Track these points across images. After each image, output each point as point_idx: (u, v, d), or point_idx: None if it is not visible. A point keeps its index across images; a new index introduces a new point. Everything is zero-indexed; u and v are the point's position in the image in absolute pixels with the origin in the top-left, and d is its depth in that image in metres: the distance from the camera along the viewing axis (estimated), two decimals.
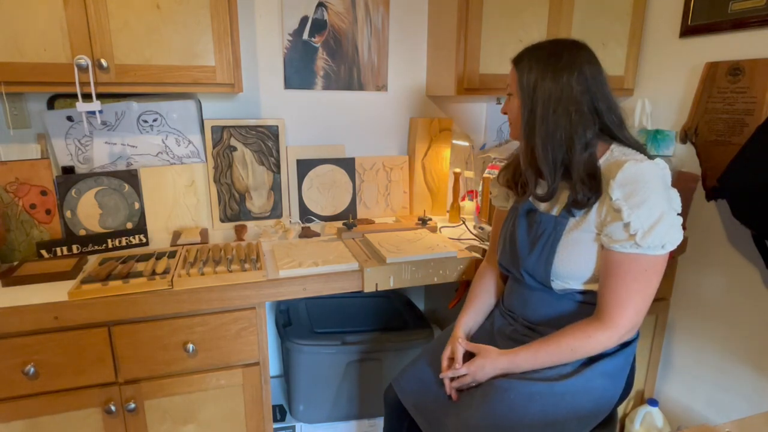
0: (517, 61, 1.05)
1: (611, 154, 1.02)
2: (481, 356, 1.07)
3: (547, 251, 1.04)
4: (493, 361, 1.05)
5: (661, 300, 1.75)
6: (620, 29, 1.74)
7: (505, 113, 1.13)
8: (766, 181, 1.31)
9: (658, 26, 1.74)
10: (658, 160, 0.97)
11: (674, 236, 0.94)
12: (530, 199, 1.12)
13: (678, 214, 0.96)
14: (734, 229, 1.54)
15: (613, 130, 1.02)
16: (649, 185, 0.92)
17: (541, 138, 1.00)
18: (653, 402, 1.73)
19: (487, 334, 1.18)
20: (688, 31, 1.62)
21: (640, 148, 1.03)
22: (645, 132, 1.69)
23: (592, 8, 1.68)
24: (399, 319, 1.80)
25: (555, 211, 1.07)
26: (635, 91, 1.83)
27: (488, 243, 1.52)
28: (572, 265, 1.02)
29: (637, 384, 1.83)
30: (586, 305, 1.05)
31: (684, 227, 1.61)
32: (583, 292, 1.05)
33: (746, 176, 1.36)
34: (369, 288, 1.35)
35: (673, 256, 1.65)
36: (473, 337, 1.20)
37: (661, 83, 1.74)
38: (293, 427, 1.69)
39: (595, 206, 0.99)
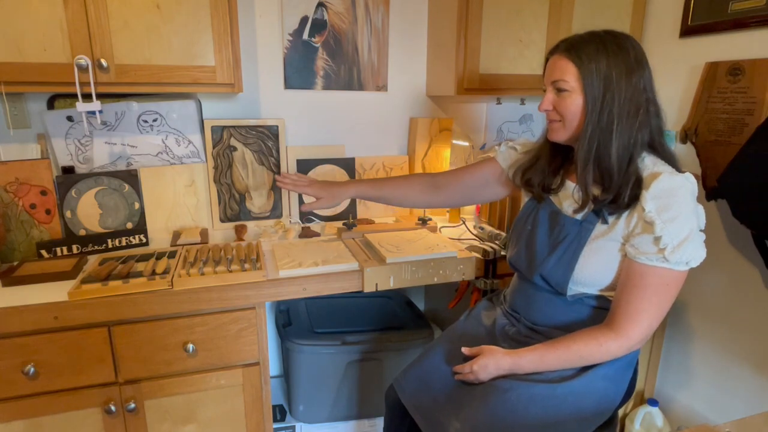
0: (572, 51, 0.95)
1: (642, 163, 0.97)
2: (484, 355, 1.06)
3: (569, 256, 1.01)
4: (497, 361, 1.04)
5: None
6: (620, 29, 1.72)
7: (547, 110, 1.02)
8: (766, 181, 1.31)
9: (658, 26, 1.74)
10: (688, 174, 0.94)
11: (699, 254, 0.93)
12: (551, 198, 1.09)
13: (701, 231, 0.95)
14: (734, 229, 1.54)
15: (656, 137, 0.98)
16: (682, 200, 0.91)
17: (617, 140, 0.94)
18: (653, 402, 1.73)
19: (489, 334, 1.18)
20: (688, 31, 1.62)
21: (672, 159, 0.99)
22: None
23: (592, 8, 1.68)
24: (399, 319, 1.80)
25: (580, 216, 1.02)
26: None
27: (488, 243, 1.52)
28: (593, 272, 1.00)
29: (637, 384, 1.83)
30: (598, 311, 1.04)
31: None
32: (596, 297, 1.04)
33: (746, 176, 1.36)
34: (369, 288, 1.35)
35: None
36: (475, 337, 1.19)
37: (661, 83, 1.73)
38: (293, 427, 1.69)
39: (625, 215, 0.96)
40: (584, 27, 1.67)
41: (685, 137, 1.66)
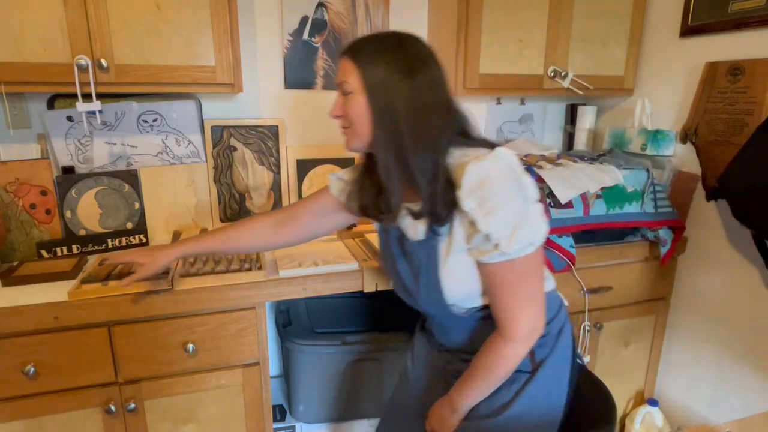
0: (355, 53, 0.89)
1: (453, 159, 0.89)
2: (430, 420, 1.05)
3: (433, 281, 0.94)
4: (441, 414, 1.02)
5: (661, 300, 1.75)
6: (620, 29, 1.74)
7: (337, 116, 0.93)
8: (766, 181, 1.31)
9: (658, 26, 1.74)
10: (499, 149, 0.85)
11: (538, 231, 0.87)
12: (395, 223, 0.99)
13: (537, 202, 0.88)
14: (734, 229, 1.54)
15: (456, 136, 0.90)
16: (497, 185, 0.82)
17: (410, 142, 0.85)
18: (653, 402, 1.73)
19: (441, 373, 1.13)
20: (688, 31, 1.62)
21: (481, 142, 0.91)
22: (645, 132, 1.69)
23: (592, 8, 1.68)
24: (399, 319, 1.80)
25: (422, 234, 0.94)
26: (635, 92, 1.83)
27: None
28: (461, 288, 0.94)
29: (637, 384, 1.83)
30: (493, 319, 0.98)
31: (684, 227, 1.62)
32: (485, 307, 0.98)
33: (746, 176, 1.36)
34: (369, 288, 1.35)
35: (674, 256, 1.65)
36: (429, 379, 1.16)
37: (661, 83, 1.75)
38: (293, 427, 1.69)
39: (457, 221, 0.89)
40: (584, 27, 1.69)
41: (685, 137, 1.66)
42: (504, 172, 0.83)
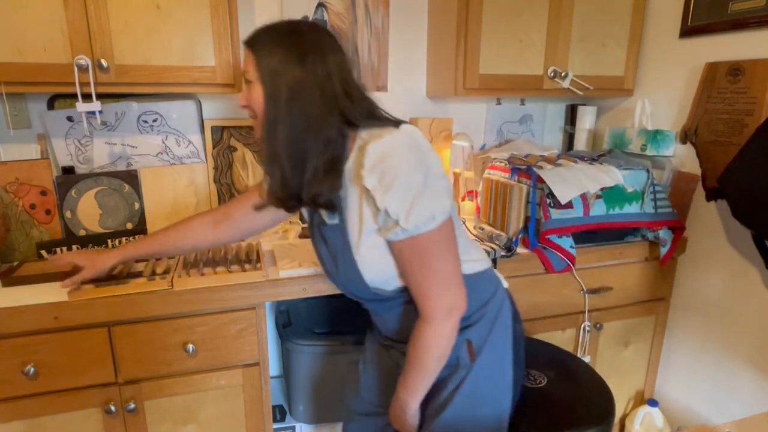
0: (253, 42, 0.90)
1: (357, 143, 0.90)
2: (391, 415, 1.04)
3: (350, 264, 0.94)
4: (395, 415, 1.02)
5: (661, 300, 1.75)
6: (620, 29, 1.74)
7: (244, 106, 0.94)
8: (766, 182, 1.31)
9: (658, 26, 1.74)
10: (403, 126, 0.87)
11: (440, 204, 0.86)
12: (295, 212, 1.02)
13: (444, 178, 0.88)
14: (734, 229, 1.54)
15: (362, 119, 0.90)
16: (396, 160, 0.82)
17: (288, 132, 0.87)
18: (653, 402, 1.73)
19: (390, 371, 1.13)
20: (688, 31, 1.62)
21: (388, 122, 0.91)
22: (645, 132, 1.69)
23: (592, 9, 1.68)
24: None
25: (336, 218, 0.94)
26: (635, 92, 1.84)
27: (488, 243, 1.52)
28: (377, 270, 0.93)
29: (637, 384, 1.83)
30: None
31: (684, 227, 1.62)
32: (406, 289, 0.96)
33: (746, 177, 1.36)
34: None
35: (674, 257, 1.65)
36: (380, 379, 1.17)
37: (661, 83, 1.75)
38: (293, 428, 1.69)
39: (365, 204, 0.88)
40: (584, 27, 1.69)
41: (685, 137, 1.66)
42: (404, 147, 0.84)
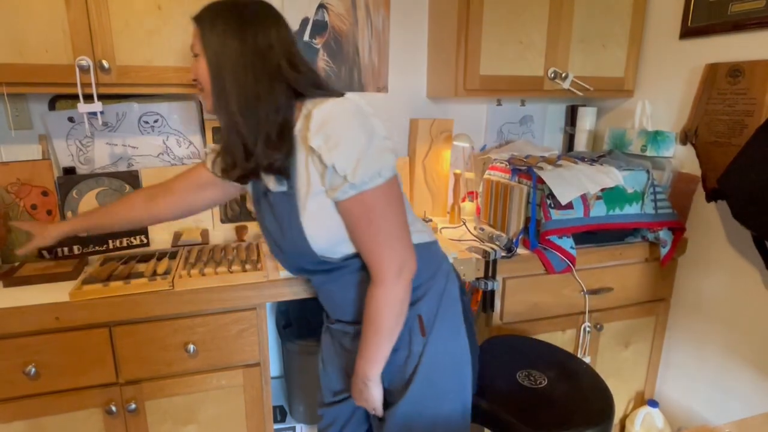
0: (199, 17, 0.94)
1: (303, 112, 0.94)
2: (353, 392, 1.05)
3: (297, 229, 0.95)
4: (356, 390, 1.02)
5: (661, 301, 1.75)
6: (620, 30, 1.74)
7: (194, 80, 0.98)
8: (766, 183, 1.31)
9: (658, 27, 1.74)
10: (348, 94, 0.92)
11: (386, 161, 0.89)
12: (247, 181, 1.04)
13: (386, 139, 0.90)
14: (734, 230, 1.54)
15: (308, 89, 0.94)
16: (341, 123, 0.86)
17: (237, 102, 0.90)
18: (653, 403, 1.73)
19: (342, 351, 1.13)
20: (688, 32, 1.63)
21: (333, 93, 0.95)
22: (645, 133, 1.69)
23: (592, 9, 1.68)
24: None
25: (284, 185, 0.96)
26: (635, 93, 1.84)
27: (488, 244, 1.52)
28: (325, 234, 0.95)
29: (638, 385, 1.83)
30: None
31: (684, 228, 1.63)
32: (358, 255, 0.97)
33: (746, 177, 1.36)
34: None
35: (674, 257, 1.65)
36: (339, 376, 1.16)
37: (661, 84, 1.75)
38: (293, 428, 1.69)
39: (311, 166, 0.91)
40: (584, 28, 1.70)
41: (685, 138, 1.67)
42: (348, 111, 0.88)
